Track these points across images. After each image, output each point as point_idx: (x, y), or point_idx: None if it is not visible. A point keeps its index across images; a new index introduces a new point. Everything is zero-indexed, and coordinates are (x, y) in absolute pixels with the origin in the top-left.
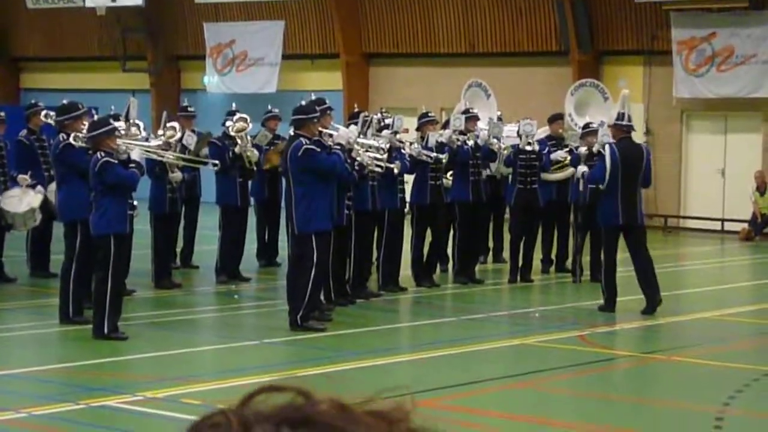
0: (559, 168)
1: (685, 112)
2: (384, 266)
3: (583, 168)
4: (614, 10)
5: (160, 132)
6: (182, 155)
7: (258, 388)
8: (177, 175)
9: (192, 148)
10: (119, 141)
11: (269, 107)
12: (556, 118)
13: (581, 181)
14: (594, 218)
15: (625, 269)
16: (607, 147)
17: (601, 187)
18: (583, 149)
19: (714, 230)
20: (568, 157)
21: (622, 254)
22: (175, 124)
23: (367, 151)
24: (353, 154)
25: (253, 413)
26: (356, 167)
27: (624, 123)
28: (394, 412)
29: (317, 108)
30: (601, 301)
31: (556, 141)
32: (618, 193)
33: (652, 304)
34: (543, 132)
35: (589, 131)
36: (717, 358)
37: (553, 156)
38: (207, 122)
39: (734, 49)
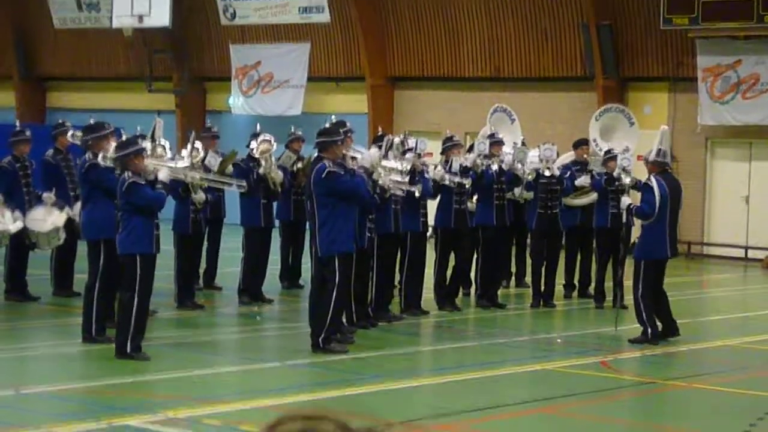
0: (582, 193)
1: (709, 138)
2: (406, 289)
3: (627, 200)
4: (640, 36)
5: (185, 152)
6: (208, 176)
7: (295, 415)
8: (200, 196)
9: (215, 169)
10: (147, 161)
11: (292, 129)
12: (581, 144)
13: (624, 214)
14: (615, 244)
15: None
16: (653, 180)
17: (646, 221)
18: (627, 179)
19: (737, 257)
20: (591, 182)
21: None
22: (198, 144)
23: (389, 173)
24: (374, 177)
25: None
26: (378, 190)
27: (661, 160)
28: None
29: (340, 130)
30: (636, 335)
31: (581, 166)
32: (666, 226)
33: (673, 331)
34: (568, 157)
35: (610, 157)
36: (738, 385)
37: (577, 182)
38: (231, 143)
39: (759, 77)
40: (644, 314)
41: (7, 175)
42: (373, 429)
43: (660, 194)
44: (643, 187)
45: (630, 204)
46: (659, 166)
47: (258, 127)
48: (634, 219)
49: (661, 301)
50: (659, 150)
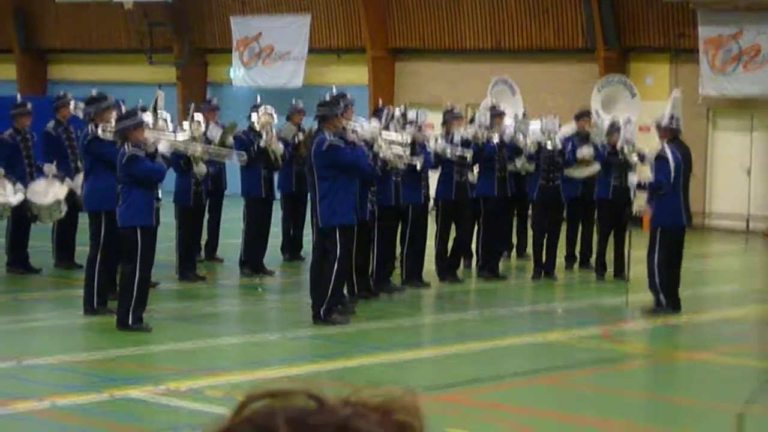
0: (584, 165)
1: (711, 110)
2: (407, 261)
3: (635, 178)
4: (641, 6)
5: (186, 124)
6: (208, 148)
7: (264, 392)
8: (202, 169)
9: (216, 141)
10: (147, 134)
11: (293, 101)
12: (583, 115)
13: (632, 190)
14: (616, 215)
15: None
16: (667, 149)
17: (661, 193)
18: (633, 156)
19: (739, 229)
20: (593, 154)
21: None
22: (200, 117)
23: (390, 146)
24: (375, 149)
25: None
26: (379, 162)
27: (674, 126)
28: (389, 403)
29: (341, 102)
30: (649, 304)
31: (582, 138)
32: (680, 194)
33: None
34: (570, 129)
35: (613, 129)
36: (739, 356)
37: (578, 153)
38: (232, 115)
39: (761, 48)
40: (658, 283)
41: (8, 148)
42: (351, 400)
43: (674, 163)
44: (657, 159)
45: (639, 181)
46: (672, 133)
47: (258, 99)
48: (638, 192)
49: (671, 274)
50: (672, 116)
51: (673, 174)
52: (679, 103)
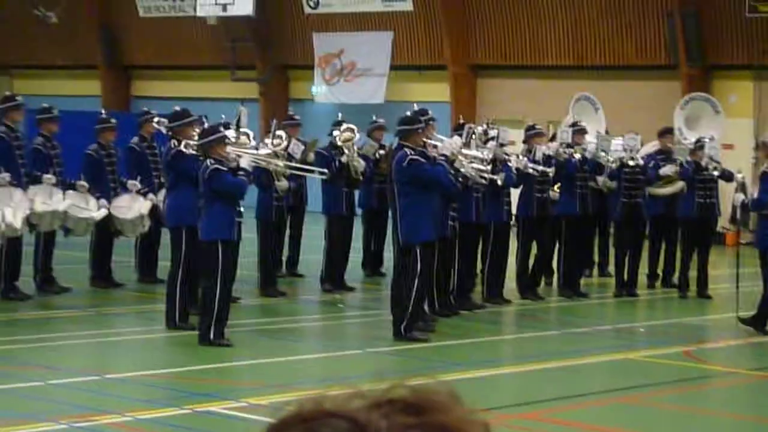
0: (667, 182)
1: None
2: (488, 278)
3: (740, 196)
4: (724, 23)
5: (268, 140)
6: (290, 164)
7: (295, 417)
8: (284, 184)
9: (298, 156)
10: (229, 149)
11: (374, 117)
12: (666, 132)
13: (738, 209)
14: (700, 233)
15: (733, 285)
16: None
17: (765, 212)
18: (739, 176)
19: None
20: (676, 171)
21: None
22: (282, 132)
23: (471, 162)
24: (456, 165)
25: None
26: (460, 179)
27: None
28: (429, 404)
29: (421, 119)
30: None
31: (665, 155)
32: None
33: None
34: (653, 146)
35: (699, 146)
36: None
37: (661, 171)
38: (314, 131)
39: None
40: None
41: (92, 163)
42: (382, 403)
43: None
44: (762, 177)
45: (743, 199)
46: None
47: (340, 115)
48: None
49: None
50: None
51: None
52: None
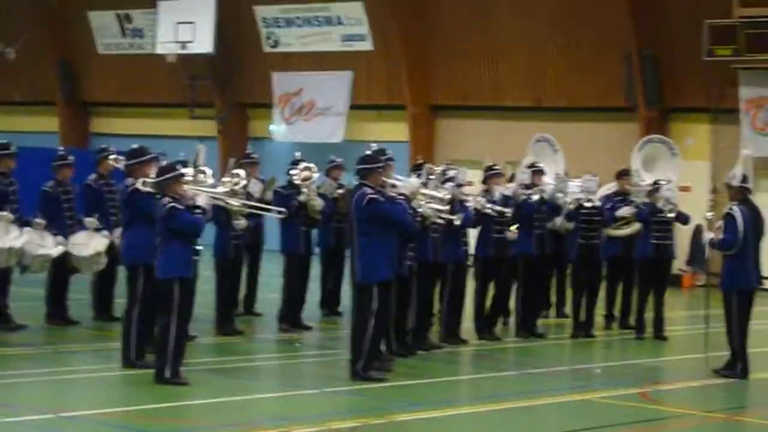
0: (624, 224)
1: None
2: (446, 318)
3: (710, 234)
4: (682, 67)
5: (226, 179)
6: (248, 202)
7: None
8: (242, 223)
9: (257, 195)
10: (186, 187)
11: (332, 157)
12: (623, 174)
13: (706, 247)
14: (656, 275)
15: (689, 326)
16: (735, 209)
17: (729, 252)
18: (708, 215)
19: None
20: (633, 213)
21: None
22: (241, 171)
23: (429, 202)
24: (414, 205)
25: None
26: (418, 218)
27: (747, 185)
28: None
29: (381, 158)
30: (727, 369)
31: (623, 197)
32: (750, 256)
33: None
34: (610, 188)
35: (656, 187)
36: None
37: (619, 212)
38: (272, 170)
39: None
40: (737, 348)
41: (49, 200)
42: None
43: (743, 223)
44: (726, 217)
45: (711, 238)
46: (743, 193)
47: (298, 154)
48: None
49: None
50: (744, 176)
51: (741, 234)
52: (751, 163)
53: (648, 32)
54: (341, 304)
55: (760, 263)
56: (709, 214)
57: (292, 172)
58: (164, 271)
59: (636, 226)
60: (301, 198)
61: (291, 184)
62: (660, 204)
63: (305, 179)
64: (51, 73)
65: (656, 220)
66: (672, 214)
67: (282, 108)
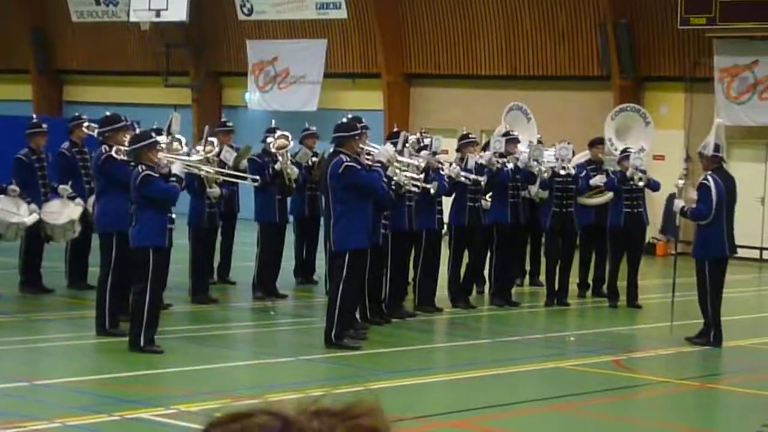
0: (597, 192)
1: (726, 139)
2: (420, 286)
3: (681, 202)
4: (657, 36)
5: (200, 147)
6: (222, 170)
7: (225, 416)
8: (215, 191)
9: (230, 163)
10: (161, 155)
11: (307, 125)
12: (597, 143)
13: (677, 215)
14: (629, 243)
15: (663, 294)
16: (710, 179)
17: (703, 222)
18: (680, 182)
19: (752, 258)
20: (605, 180)
21: (662, 280)
22: (214, 139)
23: (404, 170)
24: (389, 173)
25: None
26: (392, 186)
27: (720, 155)
28: (352, 409)
29: (357, 126)
30: (700, 337)
31: (596, 165)
32: (723, 225)
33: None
34: (583, 156)
35: (624, 156)
36: (751, 386)
37: (592, 181)
38: (247, 138)
39: None
40: (710, 316)
41: (23, 168)
42: (314, 410)
43: (717, 193)
44: (700, 187)
45: (683, 206)
46: (716, 162)
47: (273, 122)
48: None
49: (717, 306)
50: (717, 145)
51: (715, 204)
52: (723, 132)
53: (622, 1)
54: (315, 273)
55: (734, 231)
56: (680, 182)
57: (267, 140)
58: (139, 239)
59: (609, 195)
60: (277, 166)
61: (266, 153)
62: (629, 172)
63: (280, 147)
64: (24, 41)
65: (627, 189)
66: (641, 183)
67: (256, 76)
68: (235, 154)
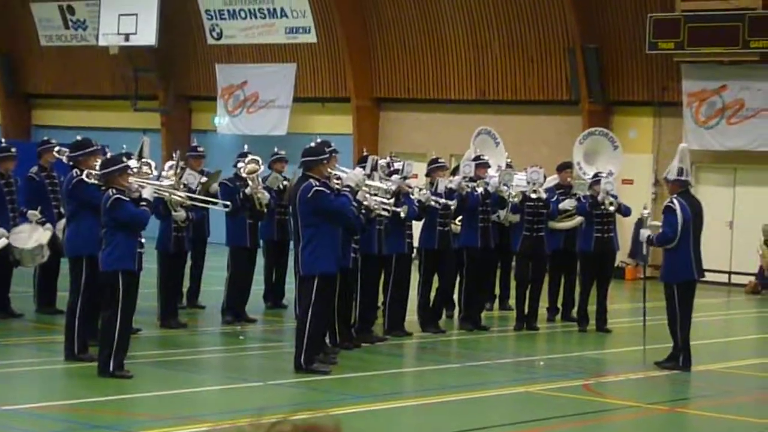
0: (567, 217)
1: (694, 163)
2: (390, 311)
3: (647, 232)
4: (625, 60)
5: (164, 172)
6: (193, 195)
7: None
8: (180, 214)
9: (194, 186)
10: (131, 179)
11: (275, 149)
12: (565, 167)
13: (644, 245)
14: (599, 268)
15: (632, 318)
16: (675, 202)
17: (669, 246)
18: (645, 212)
19: (721, 282)
20: (575, 206)
21: (632, 304)
22: (172, 163)
23: (374, 194)
24: (358, 197)
25: None
26: (362, 210)
27: (684, 179)
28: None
29: (326, 150)
30: (668, 361)
31: (564, 189)
32: (690, 248)
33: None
34: (552, 180)
35: (595, 180)
36: (721, 410)
37: (561, 205)
38: (216, 162)
39: (744, 102)
40: (680, 339)
41: None
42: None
43: (683, 216)
44: (665, 211)
45: (649, 235)
46: (681, 186)
47: (246, 147)
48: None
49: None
50: (680, 169)
51: (680, 227)
52: (687, 156)
53: (591, 26)
54: (285, 297)
55: (701, 255)
56: (646, 212)
57: (238, 164)
58: (109, 263)
59: (578, 219)
60: (247, 191)
61: (237, 177)
62: (600, 197)
63: (251, 172)
64: None
65: (598, 213)
66: (612, 207)
67: (226, 100)
68: (199, 178)
